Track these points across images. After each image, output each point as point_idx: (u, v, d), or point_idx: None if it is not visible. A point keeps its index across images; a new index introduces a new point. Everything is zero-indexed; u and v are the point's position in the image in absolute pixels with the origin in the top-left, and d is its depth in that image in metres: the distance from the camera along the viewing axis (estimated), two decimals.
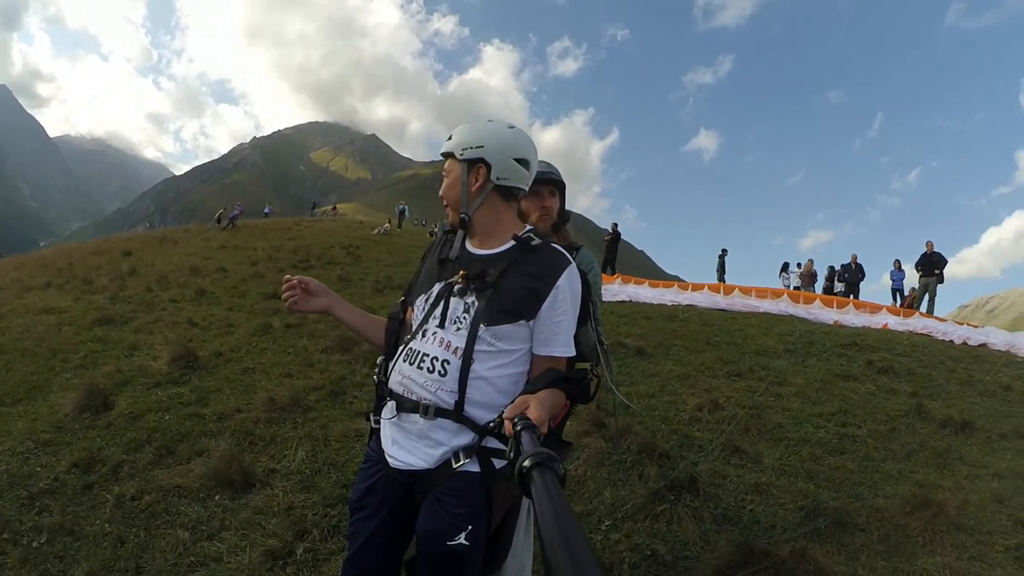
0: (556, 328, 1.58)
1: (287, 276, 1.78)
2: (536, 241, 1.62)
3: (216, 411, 4.56)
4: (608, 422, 4.38)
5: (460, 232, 1.72)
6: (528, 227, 1.69)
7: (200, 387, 5.13)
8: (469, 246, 1.69)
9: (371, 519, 1.64)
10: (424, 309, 1.66)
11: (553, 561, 0.70)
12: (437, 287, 1.66)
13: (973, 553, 3.14)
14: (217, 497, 3.33)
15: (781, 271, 20.12)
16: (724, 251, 20.82)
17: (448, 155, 1.66)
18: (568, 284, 1.58)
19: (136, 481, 3.48)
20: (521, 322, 1.56)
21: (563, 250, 1.65)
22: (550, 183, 2.34)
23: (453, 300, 1.61)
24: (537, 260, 1.59)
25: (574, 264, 1.63)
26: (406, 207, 35.30)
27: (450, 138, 1.66)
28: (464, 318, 1.58)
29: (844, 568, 2.91)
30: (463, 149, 1.62)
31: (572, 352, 1.63)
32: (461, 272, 1.61)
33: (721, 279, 19.61)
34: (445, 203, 1.68)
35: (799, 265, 19.88)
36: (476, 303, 1.57)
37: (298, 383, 5.24)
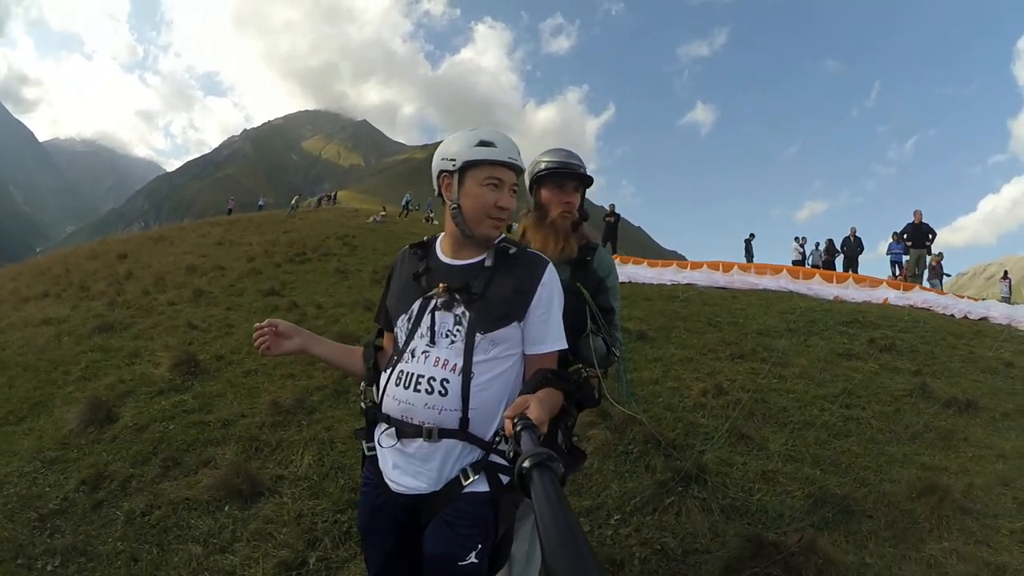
0: (545, 326, 1.59)
1: (256, 324, 1.73)
2: (513, 249, 1.63)
3: (220, 417, 4.54)
4: (613, 412, 4.38)
5: (437, 243, 1.72)
6: (501, 236, 1.68)
7: (203, 393, 5.11)
8: (443, 258, 1.67)
9: (386, 541, 1.64)
10: (407, 329, 1.62)
11: (553, 562, 0.70)
12: (416, 304, 1.63)
13: (979, 537, 3.15)
14: (227, 508, 3.33)
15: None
16: (751, 235, 20.60)
17: (521, 171, 1.65)
18: (551, 281, 1.61)
19: (145, 496, 3.48)
20: (513, 324, 1.56)
21: (539, 253, 1.67)
22: (576, 177, 2.17)
23: (439, 314, 1.58)
24: (518, 265, 1.61)
25: (551, 264, 1.64)
26: (410, 198, 35.12)
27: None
28: (457, 331, 1.55)
29: (852, 557, 2.91)
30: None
31: (564, 344, 1.63)
32: (441, 285, 1.59)
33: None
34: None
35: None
36: (467, 314, 1.56)
37: (301, 384, 5.22)
